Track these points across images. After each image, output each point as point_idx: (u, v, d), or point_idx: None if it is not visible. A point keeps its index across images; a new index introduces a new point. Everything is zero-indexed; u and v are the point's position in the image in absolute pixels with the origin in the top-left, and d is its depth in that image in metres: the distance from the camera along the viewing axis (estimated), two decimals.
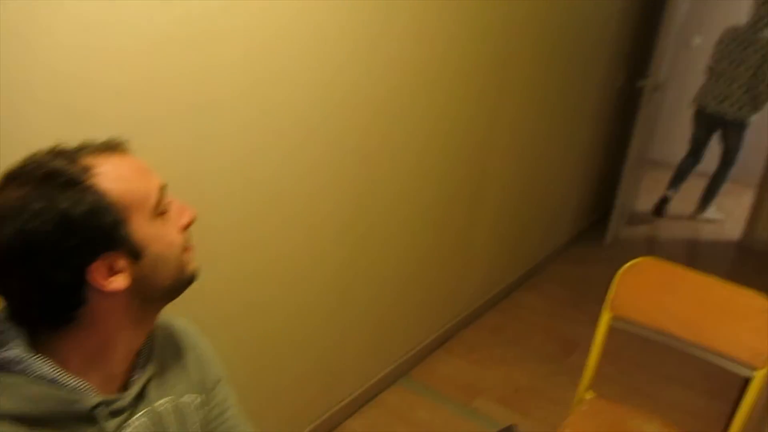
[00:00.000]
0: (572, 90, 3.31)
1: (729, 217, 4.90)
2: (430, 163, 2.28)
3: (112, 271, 0.77)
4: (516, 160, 2.92)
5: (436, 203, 2.40)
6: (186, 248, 0.87)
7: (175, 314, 0.98)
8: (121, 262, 0.77)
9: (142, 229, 0.79)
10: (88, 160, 0.77)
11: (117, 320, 0.80)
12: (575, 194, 3.91)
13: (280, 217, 1.69)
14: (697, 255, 4.25)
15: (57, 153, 0.77)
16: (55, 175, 0.73)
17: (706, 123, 4.34)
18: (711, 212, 4.78)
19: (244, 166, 1.53)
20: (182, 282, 0.87)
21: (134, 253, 0.78)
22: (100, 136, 0.83)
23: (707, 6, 5.64)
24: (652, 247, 4.23)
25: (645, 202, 4.94)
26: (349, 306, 2.11)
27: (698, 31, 5.74)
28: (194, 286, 0.89)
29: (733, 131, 4.23)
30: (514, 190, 3.01)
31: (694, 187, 4.84)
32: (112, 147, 0.81)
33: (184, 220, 0.87)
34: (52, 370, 0.76)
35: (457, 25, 2.14)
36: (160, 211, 0.82)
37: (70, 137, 0.81)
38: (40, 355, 0.76)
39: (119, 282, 0.77)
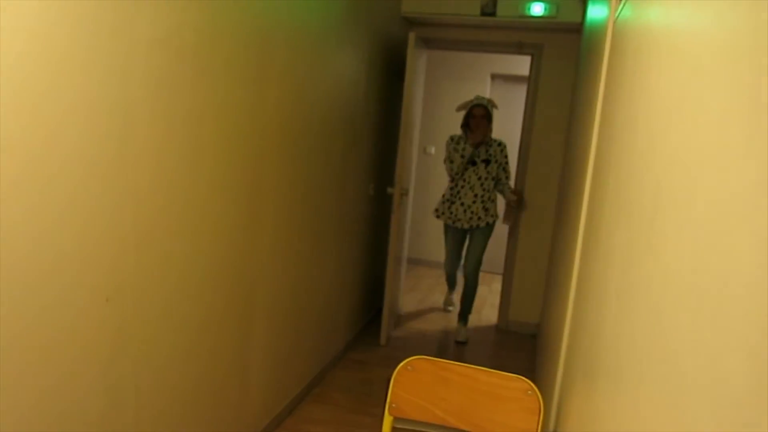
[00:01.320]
0: (330, 201, 3.48)
1: (484, 303, 5.43)
2: (195, 290, 2.19)
3: None
4: (282, 270, 2.95)
5: (206, 329, 2.30)
6: None
7: None
8: None
9: None
10: None
11: None
12: (346, 299, 4.04)
13: (15, 372, 1.48)
14: (464, 341, 4.59)
15: None
16: None
17: (452, 233, 4.65)
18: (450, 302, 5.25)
19: None
20: None
21: None
22: None
23: (435, 121, 6.49)
24: (423, 342, 4.48)
25: (414, 298, 5.27)
26: None
27: (431, 141, 6.53)
28: None
29: (476, 236, 4.59)
30: (284, 302, 3.01)
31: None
32: None
33: None
34: None
35: (213, 142, 2.16)
36: None
37: None
38: None
39: None
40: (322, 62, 3.09)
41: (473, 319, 5.07)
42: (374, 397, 3.44)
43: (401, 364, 1.71)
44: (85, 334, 1.67)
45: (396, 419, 1.71)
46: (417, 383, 1.69)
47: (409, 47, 4.00)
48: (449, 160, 4.34)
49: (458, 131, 5.26)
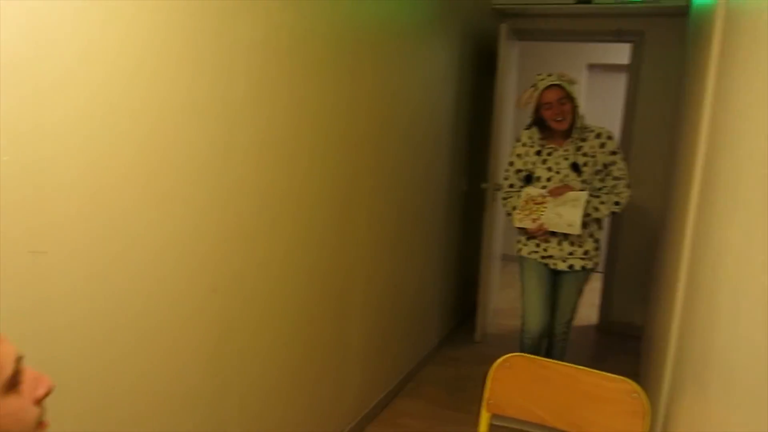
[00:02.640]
0: (423, 197, 3.50)
1: (584, 302, 5.28)
2: (295, 285, 2.27)
3: None
4: (376, 266, 2.99)
5: (305, 321, 2.37)
6: (40, 423, 0.79)
7: None
8: None
9: None
10: None
11: None
12: (439, 295, 4.04)
13: (141, 363, 1.59)
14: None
15: None
16: None
17: (539, 274, 3.42)
18: None
19: (91, 306, 1.43)
20: None
21: None
22: None
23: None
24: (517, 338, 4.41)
25: (509, 295, 5.20)
26: None
27: None
28: None
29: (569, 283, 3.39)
30: (378, 297, 3.05)
31: None
32: None
33: (40, 392, 0.80)
34: None
35: (309, 140, 2.22)
36: (12, 384, 0.75)
37: None
38: None
39: None
40: (412, 58, 3.10)
41: None
42: (469, 394, 3.43)
43: (499, 360, 1.70)
44: (194, 322, 1.77)
45: (493, 416, 1.70)
46: (515, 380, 1.68)
47: (500, 40, 3.94)
48: (508, 183, 3.08)
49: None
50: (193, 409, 1.81)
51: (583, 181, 2.89)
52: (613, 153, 2.89)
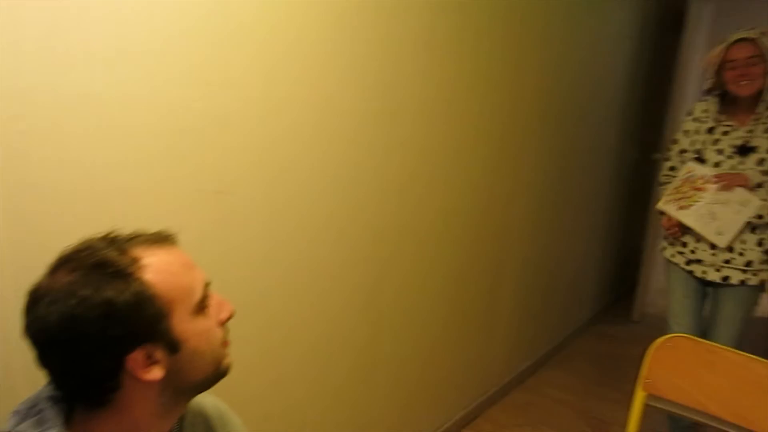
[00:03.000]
0: (586, 167, 3.35)
1: None
2: (450, 238, 2.29)
3: (149, 362, 0.78)
4: (535, 233, 2.93)
5: (456, 278, 2.40)
6: (223, 343, 0.88)
7: (205, 392, 0.98)
8: (159, 354, 0.79)
9: (182, 323, 0.80)
10: (137, 252, 0.78)
11: (148, 407, 0.81)
12: (596, 269, 3.88)
13: (302, 298, 1.70)
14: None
15: (110, 241, 0.79)
16: (106, 264, 0.75)
17: (685, 284, 2.84)
18: None
19: (266, 243, 1.55)
20: (215, 376, 0.87)
21: (172, 347, 0.79)
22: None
23: None
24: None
25: None
26: (374, 385, 2.08)
27: None
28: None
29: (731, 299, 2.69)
30: (533, 265, 3.00)
31: None
32: (161, 239, 0.83)
33: (224, 315, 0.88)
34: None
35: (478, 105, 2.21)
36: (201, 307, 0.83)
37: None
38: None
39: (155, 373, 0.78)
40: (584, 19, 2.94)
41: None
42: (621, 372, 3.30)
43: (661, 339, 1.62)
44: (353, 264, 1.86)
45: (649, 396, 1.63)
46: (677, 362, 1.58)
47: (689, 16, 3.60)
48: (668, 165, 2.47)
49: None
50: (350, 349, 1.92)
51: (765, 173, 2.16)
52: None
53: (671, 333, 2.07)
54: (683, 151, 2.40)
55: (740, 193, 2.17)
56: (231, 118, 1.37)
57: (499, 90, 2.33)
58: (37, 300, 0.75)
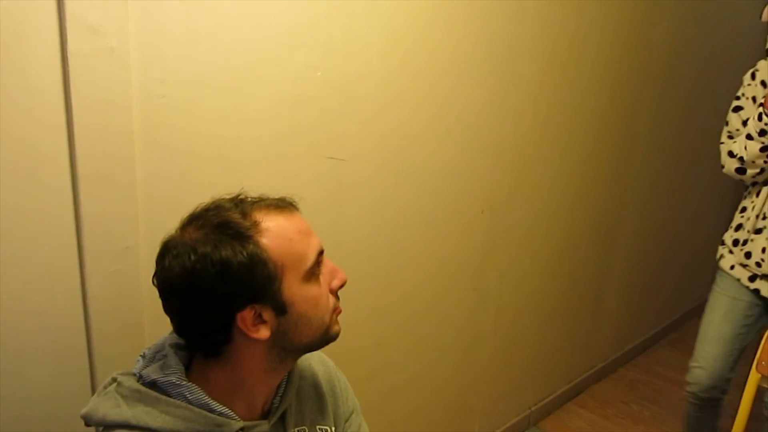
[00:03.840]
0: (702, 144, 3.16)
1: None
2: (560, 211, 2.27)
3: (258, 321, 0.83)
4: (651, 208, 2.83)
5: (566, 250, 2.38)
6: (335, 310, 0.91)
7: None
8: (267, 315, 0.83)
9: (292, 288, 0.84)
10: (259, 215, 0.83)
11: (257, 362, 0.87)
12: (714, 252, 3.68)
13: (410, 268, 1.76)
14: None
15: (237, 202, 0.85)
16: (228, 225, 0.81)
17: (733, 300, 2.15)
18: None
19: (378, 214, 1.62)
20: (323, 341, 0.91)
21: (280, 309, 0.83)
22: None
23: None
24: None
25: None
26: (479, 351, 2.12)
27: None
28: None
29: None
30: (649, 241, 2.90)
31: None
32: (283, 205, 0.87)
33: (336, 283, 0.91)
34: (203, 396, 0.85)
35: (591, 90, 2.16)
36: (314, 274, 0.87)
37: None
38: (193, 382, 0.85)
39: (262, 332, 0.83)
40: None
41: None
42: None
43: None
44: (464, 239, 1.90)
45: (763, 377, 1.57)
46: None
47: None
48: (732, 131, 1.86)
49: None
50: (455, 318, 1.97)
51: None
52: None
53: (692, 364, 1.88)
54: (746, 123, 1.79)
55: None
56: (349, 86, 1.44)
57: (620, 61, 2.26)
58: (165, 252, 0.82)
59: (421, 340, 1.88)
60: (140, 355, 0.90)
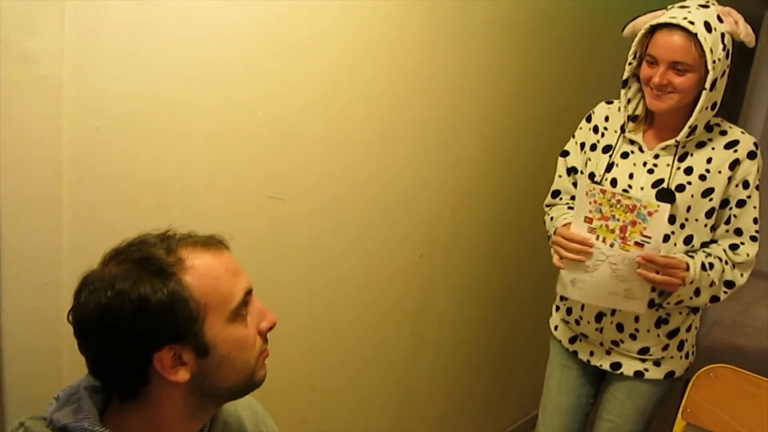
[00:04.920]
0: None
1: None
2: (500, 257, 2.30)
3: (177, 362, 0.79)
4: None
5: (505, 295, 2.41)
6: (261, 353, 0.88)
7: None
8: (187, 356, 0.80)
9: (215, 328, 0.81)
10: (184, 252, 0.81)
11: (176, 407, 0.83)
12: None
13: (348, 312, 1.75)
14: None
15: (163, 238, 0.83)
16: (150, 261, 0.79)
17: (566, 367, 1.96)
18: None
19: (313, 251, 1.61)
20: (247, 386, 0.87)
21: (202, 351, 0.80)
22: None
23: None
24: (733, 357, 4.01)
25: (733, 308, 4.72)
26: (415, 396, 2.10)
27: None
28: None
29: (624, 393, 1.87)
30: None
31: None
32: (211, 243, 0.85)
33: (264, 325, 0.88)
34: None
35: (530, 117, 2.23)
36: (239, 314, 0.84)
37: None
38: (108, 427, 0.80)
39: (181, 374, 0.80)
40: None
41: None
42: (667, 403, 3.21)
43: (702, 369, 1.60)
44: (401, 283, 1.90)
45: (688, 425, 1.61)
46: (718, 393, 1.56)
47: (762, 28, 3.52)
48: (553, 188, 1.79)
49: None
50: (393, 362, 1.95)
51: (677, 225, 1.52)
52: (746, 185, 1.50)
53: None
54: (572, 170, 1.72)
55: (640, 290, 1.49)
56: (292, 126, 1.44)
57: (561, 114, 2.34)
58: (82, 287, 0.79)
59: (356, 383, 1.85)
60: (54, 398, 0.85)
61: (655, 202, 1.43)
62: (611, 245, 1.47)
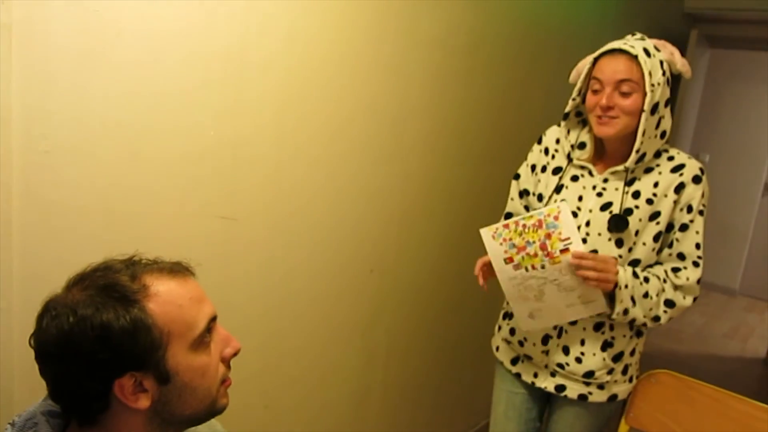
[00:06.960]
0: None
1: (752, 333, 4.87)
2: (446, 273, 2.35)
3: (138, 389, 0.79)
4: None
5: (452, 309, 2.45)
6: (224, 381, 0.88)
7: None
8: (149, 383, 0.79)
9: (178, 356, 0.80)
10: (149, 279, 0.81)
11: None
12: None
13: (301, 328, 1.76)
14: (720, 372, 4.19)
15: (129, 264, 0.82)
16: (114, 287, 0.78)
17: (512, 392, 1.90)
18: None
19: (266, 270, 1.61)
20: (208, 414, 0.87)
21: (163, 378, 0.80)
22: None
23: (711, 126, 5.89)
24: (673, 363, 4.17)
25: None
26: (368, 409, 2.12)
27: (706, 149, 5.95)
28: None
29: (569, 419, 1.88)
30: None
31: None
32: (177, 270, 0.84)
33: (228, 352, 0.88)
34: None
35: (474, 135, 2.29)
36: (202, 342, 0.84)
37: None
38: None
39: (142, 401, 0.79)
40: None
41: (735, 349, 4.55)
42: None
43: (644, 374, 1.67)
44: (352, 299, 1.92)
45: (631, 429, 1.68)
46: (659, 397, 1.64)
47: (689, 46, 3.73)
48: (505, 211, 1.80)
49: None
50: (345, 376, 1.96)
51: (626, 248, 1.53)
52: (690, 209, 1.52)
53: None
54: (524, 193, 1.73)
55: (592, 290, 1.49)
56: (242, 146, 1.45)
57: (502, 132, 2.41)
58: (44, 312, 0.78)
59: (309, 398, 1.85)
60: (9, 423, 0.83)
61: (554, 206, 1.45)
62: (542, 267, 1.47)
